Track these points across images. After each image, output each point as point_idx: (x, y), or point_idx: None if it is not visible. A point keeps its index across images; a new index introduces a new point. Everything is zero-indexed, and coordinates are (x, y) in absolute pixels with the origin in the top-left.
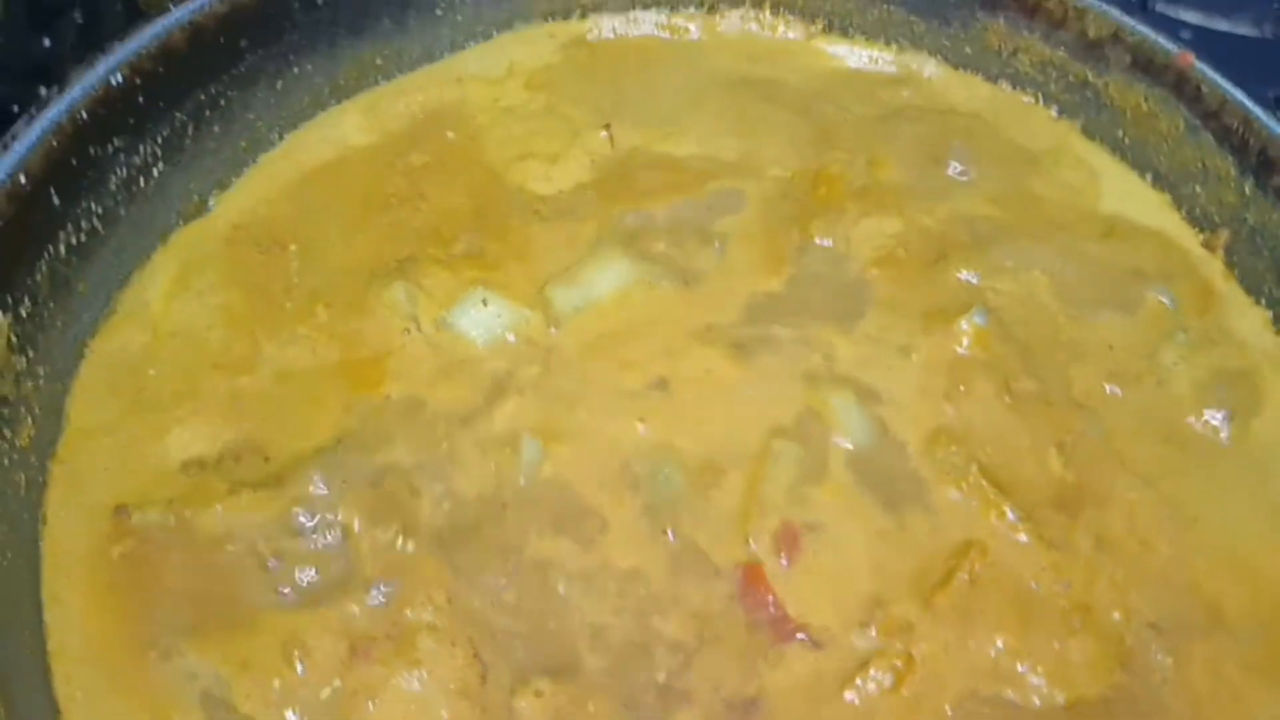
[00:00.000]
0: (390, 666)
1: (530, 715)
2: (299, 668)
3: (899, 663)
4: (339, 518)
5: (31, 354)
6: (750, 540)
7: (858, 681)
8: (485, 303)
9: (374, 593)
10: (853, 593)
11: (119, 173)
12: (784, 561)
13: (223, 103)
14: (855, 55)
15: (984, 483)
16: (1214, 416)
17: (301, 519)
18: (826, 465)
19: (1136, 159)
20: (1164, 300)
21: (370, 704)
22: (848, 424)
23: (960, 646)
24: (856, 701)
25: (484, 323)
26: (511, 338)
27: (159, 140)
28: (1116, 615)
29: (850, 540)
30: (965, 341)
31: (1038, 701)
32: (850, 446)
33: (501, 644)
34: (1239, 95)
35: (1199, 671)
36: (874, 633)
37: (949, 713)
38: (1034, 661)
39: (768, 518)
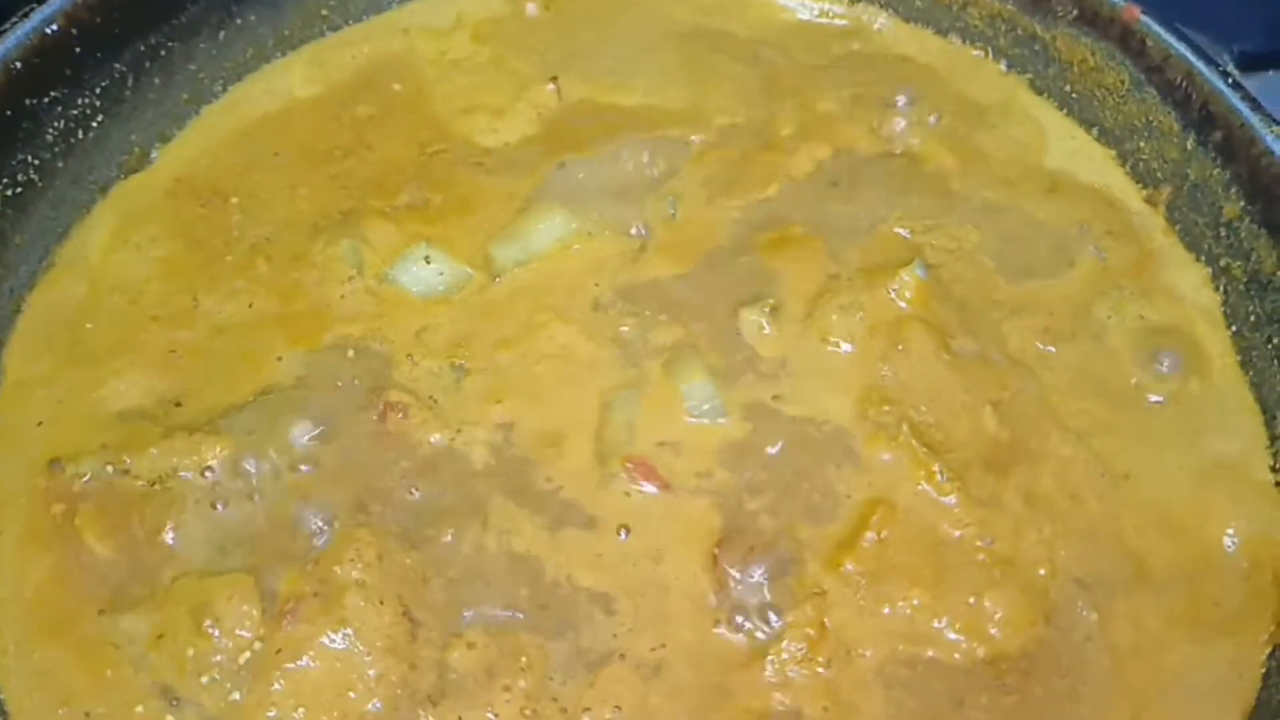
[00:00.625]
0: (316, 625)
1: (462, 667)
2: (214, 634)
3: (811, 631)
4: (269, 469)
5: None
6: None
7: (770, 656)
8: (428, 260)
9: (302, 549)
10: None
11: (56, 124)
12: None
13: (163, 53)
14: (806, 8)
15: (913, 442)
16: (1149, 373)
17: (242, 465)
18: None
19: (1083, 114)
20: (1101, 258)
21: (295, 662)
22: None
23: (874, 609)
24: (770, 673)
25: (425, 279)
26: (450, 292)
27: (97, 91)
28: (1042, 570)
29: None
30: (907, 295)
31: (958, 657)
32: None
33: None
34: (1183, 49)
35: (1122, 625)
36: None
37: (870, 677)
38: (951, 617)
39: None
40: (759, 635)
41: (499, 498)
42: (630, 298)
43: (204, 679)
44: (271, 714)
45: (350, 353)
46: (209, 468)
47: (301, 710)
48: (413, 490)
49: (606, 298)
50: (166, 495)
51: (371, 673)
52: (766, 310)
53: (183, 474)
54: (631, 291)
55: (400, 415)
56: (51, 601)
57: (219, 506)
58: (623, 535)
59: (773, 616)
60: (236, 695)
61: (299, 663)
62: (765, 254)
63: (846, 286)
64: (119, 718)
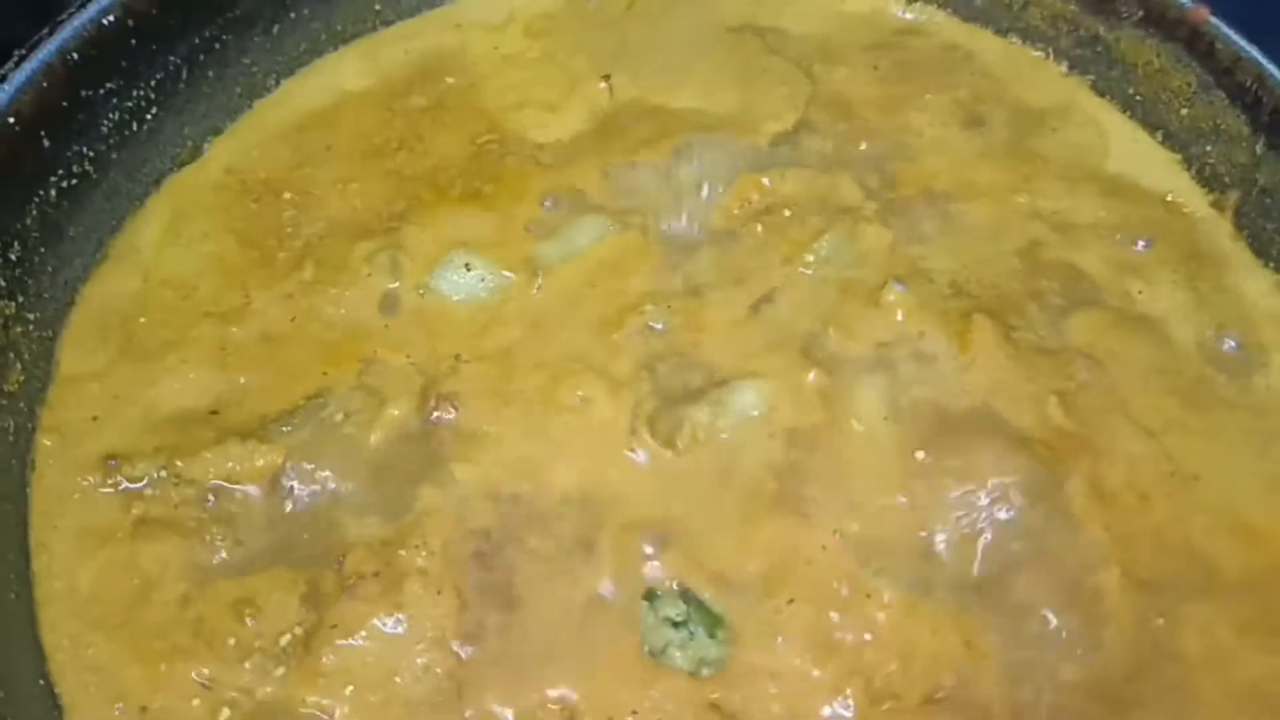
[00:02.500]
0: (374, 605)
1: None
2: (251, 623)
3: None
4: (320, 475)
5: (21, 299)
6: None
7: None
8: (468, 267)
9: (368, 528)
10: None
11: (111, 116)
12: None
13: (217, 46)
14: (864, 2)
15: None
16: (1220, 374)
17: (293, 471)
18: None
19: (1147, 117)
20: (1162, 260)
21: (348, 639)
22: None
23: None
24: None
25: (466, 286)
26: (492, 298)
27: (152, 84)
28: (1107, 574)
29: None
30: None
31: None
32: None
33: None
34: (1253, 52)
35: (1191, 633)
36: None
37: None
38: None
39: None
40: None
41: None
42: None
43: (246, 664)
44: (321, 684)
45: (400, 359)
46: (261, 473)
47: (350, 687)
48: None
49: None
50: (218, 497)
51: (420, 661)
52: None
53: (235, 480)
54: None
55: (451, 411)
56: (106, 597)
57: (269, 509)
58: None
59: None
60: (281, 670)
61: (351, 640)
62: None
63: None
64: (175, 711)
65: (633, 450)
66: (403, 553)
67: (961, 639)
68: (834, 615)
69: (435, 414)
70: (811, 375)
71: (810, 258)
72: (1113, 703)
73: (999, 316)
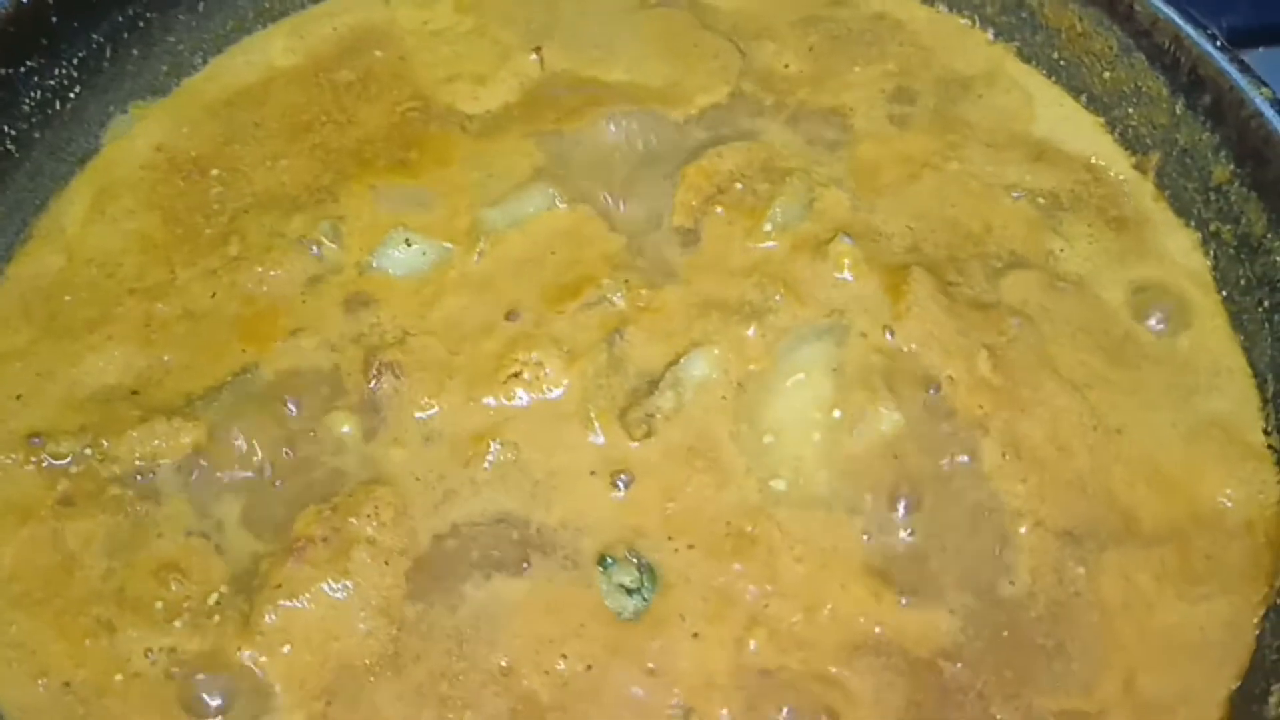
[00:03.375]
0: (320, 569)
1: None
2: (175, 587)
3: None
4: (245, 451)
5: None
6: None
7: None
8: (408, 242)
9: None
10: None
11: (33, 94)
12: None
13: (141, 24)
14: None
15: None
16: (1143, 332)
17: (218, 447)
18: None
19: (1071, 81)
20: (1085, 214)
21: (292, 600)
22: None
23: None
24: None
25: (407, 262)
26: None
27: (75, 62)
28: (1024, 527)
29: None
30: (846, 264)
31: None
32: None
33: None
34: (1170, 13)
35: (1112, 581)
36: None
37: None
38: None
39: None
40: None
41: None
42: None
43: (176, 623)
44: (258, 640)
45: (330, 335)
46: (186, 451)
47: (287, 647)
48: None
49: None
50: (144, 475)
51: (362, 627)
52: None
53: (160, 457)
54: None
55: (395, 376)
56: (27, 574)
57: (194, 487)
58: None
59: None
60: (216, 619)
61: (294, 602)
62: None
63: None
64: (99, 685)
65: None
66: (353, 520)
67: (871, 591)
68: (737, 566)
69: (376, 383)
70: (751, 330)
71: (768, 226)
72: (1035, 651)
73: (938, 272)
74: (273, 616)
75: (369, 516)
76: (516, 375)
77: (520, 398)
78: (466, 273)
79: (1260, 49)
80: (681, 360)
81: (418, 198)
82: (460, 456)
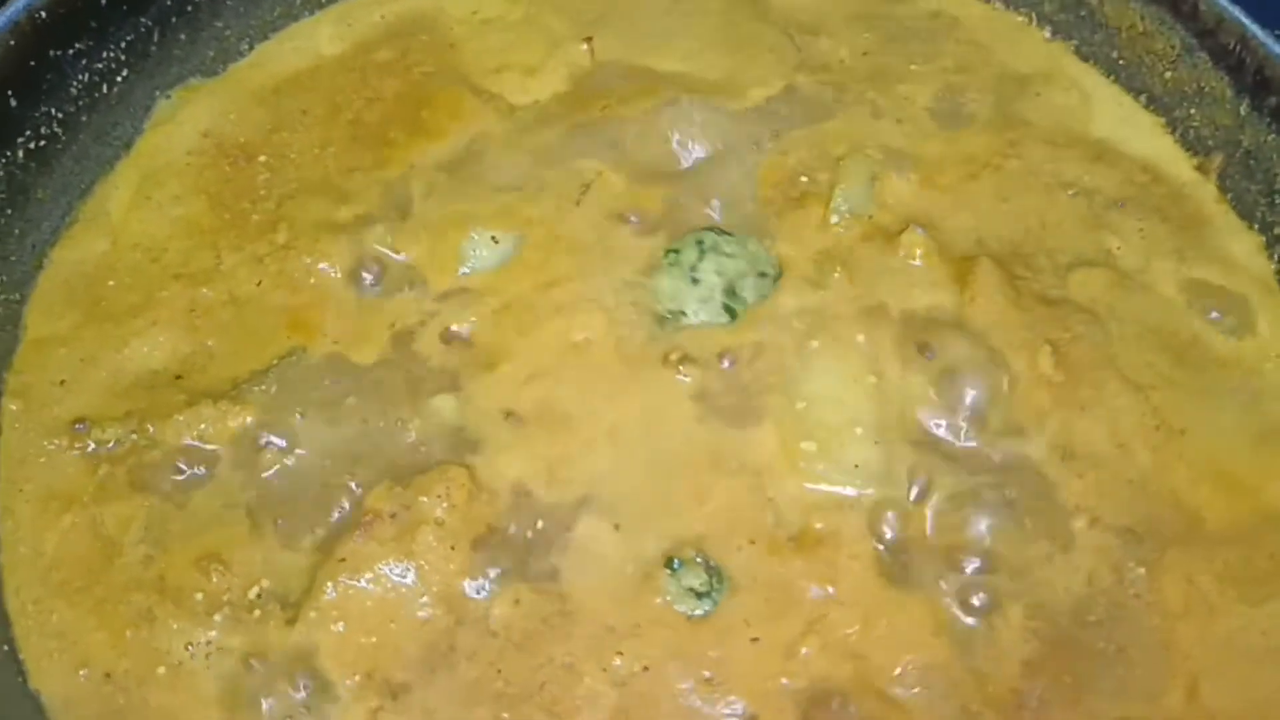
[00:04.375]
0: (385, 547)
1: (504, 623)
2: (216, 578)
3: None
4: (293, 436)
5: None
6: None
7: None
8: (495, 240)
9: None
10: None
11: (81, 78)
12: None
13: (190, 8)
14: None
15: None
16: (1210, 335)
17: (265, 432)
18: None
19: (1130, 81)
20: (1144, 215)
21: (352, 578)
22: None
23: None
24: None
25: (489, 259)
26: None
27: (123, 45)
28: (1079, 522)
29: None
30: (918, 253)
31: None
32: None
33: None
34: (1236, 13)
35: (1172, 582)
36: None
37: None
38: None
39: None
40: None
41: None
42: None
43: (217, 616)
44: (312, 616)
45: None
46: (234, 435)
47: (341, 624)
48: None
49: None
50: (189, 460)
51: (421, 614)
52: None
53: (207, 441)
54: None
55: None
56: (70, 562)
57: (241, 471)
58: None
59: None
60: (256, 613)
61: (355, 580)
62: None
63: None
64: (141, 676)
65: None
66: (424, 499)
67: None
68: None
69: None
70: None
71: (835, 218)
72: (1095, 656)
73: (1006, 265)
74: (332, 593)
75: (439, 497)
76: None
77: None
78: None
79: None
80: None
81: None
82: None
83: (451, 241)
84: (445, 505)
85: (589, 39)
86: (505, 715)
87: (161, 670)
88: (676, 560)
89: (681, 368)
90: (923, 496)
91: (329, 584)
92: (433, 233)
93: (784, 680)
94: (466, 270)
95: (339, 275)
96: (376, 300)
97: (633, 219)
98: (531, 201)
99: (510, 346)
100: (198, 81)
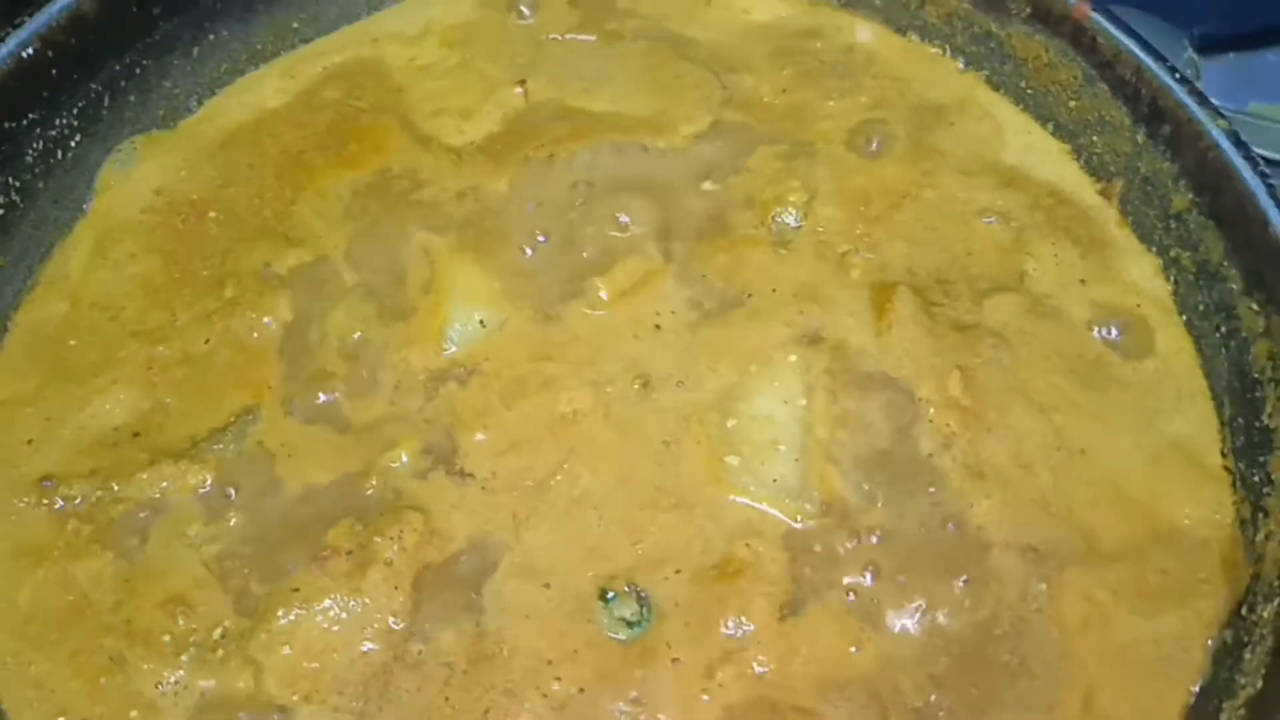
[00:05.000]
0: (337, 582)
1: (448, 656)
2: (182, 622)
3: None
4: (252, 491)
5: None
6: None
7: None
8: (483, 323)
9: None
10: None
11: (35, 145)
12: None
13: (138, 71)
14: (764, 7)
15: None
16: (1111, 356)
17: (227, 488)
18: None
19: (1039, 109)
20: (1053, 240)
21: (305, 607)
22: None
23: None
24: None
25: (474, 335)
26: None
27: (75, 111)
28: (987, 543)
29: None
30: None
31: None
32: None
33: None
34: (1132, 45)
35: (1071, 598)
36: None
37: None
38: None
39: None
40: None
41: None
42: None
43: (183, 657)
44: (262, 638)
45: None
46: (193, 493)
47: (288, 649)
48: None
49: None
50: (153, 513)
51: (363, 647)
52: None
53: (170, 497)
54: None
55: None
56: (44, 615)
57: (202, 523)
58: None
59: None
60: (220, 653)
61: (305, 609)
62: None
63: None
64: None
65: None
66: (378, 539)
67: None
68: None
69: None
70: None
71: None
72: (999, 669)
73: (925, 293)
74: (285, 619)
75: (392, 539)
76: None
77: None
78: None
79: (1230, 55)
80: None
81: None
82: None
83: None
84: (396, 548)
85: (523, 81)
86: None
87: (134, 714)
88: (610, 592)
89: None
90: (835, 513)
91: (280, 610)
92: None
93: (705, 697)
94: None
95: (279, 330)
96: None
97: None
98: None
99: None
100: (149, 141)
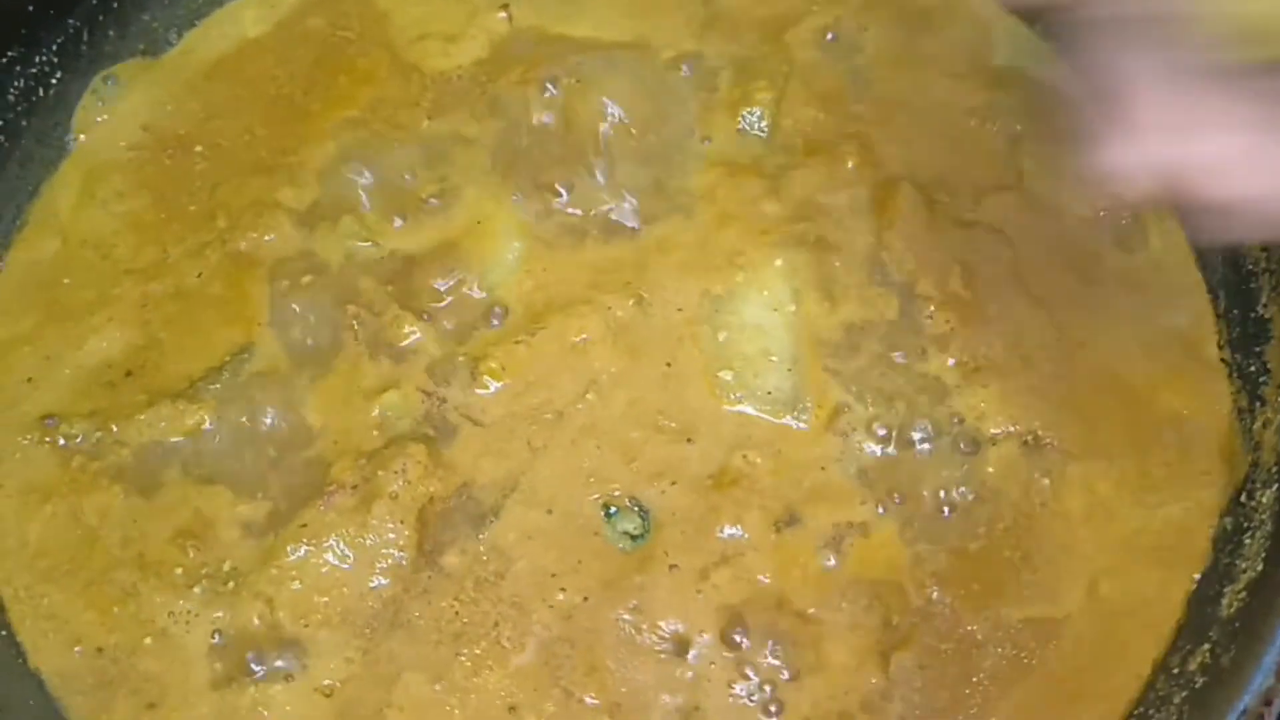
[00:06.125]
0: (343, 517)
1: (456, 575)
2: (192, 553)
3: None
4: (251, 428)
5: None
6: None
7: None
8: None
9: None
10: None
11: (16, 84)
12: None
13: (115, 5)
14: None
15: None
16: (1111, 248)
17: (225, 425)
18: None
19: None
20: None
21: (312, 542)
22: None
23: None
24: None
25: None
26: None
27: (54, 48)
28: (987, 435)
29: None
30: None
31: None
32: None
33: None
34: None
35: (1074, 491)
36: None
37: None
38: None
39: None
40: None
41: None
42: None
43: (195, 589)
44: (272, 573)
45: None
46: (193, 429)
47: (298, 584)
48: None
49: None
50: (155, 451)
51: (372, 583)
52: None
53: (168, 437)
54: None
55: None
56: (55, 549)
57: (204, 462)
58: None
59: None
60: (230, 584)
61: (315, 543)
62: None
63: None
64: (130, 648)
65: None
66: (381, 473)
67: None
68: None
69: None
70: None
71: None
72: (1002, 564)
73: (926, 191)
74: (293, 555)
75: (397, 473)
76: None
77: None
78: None
79: None
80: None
81: None
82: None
83: None
84: (402, 481)
85: (506, 5)
86: (464, 650)
87: (148, 640)
88: (613, 508)
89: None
90: (832, 420)
91: (289, 546)
92: None
93: (700, 597)
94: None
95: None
96: None
97: None
98: None
99: None
100: (131, 75)
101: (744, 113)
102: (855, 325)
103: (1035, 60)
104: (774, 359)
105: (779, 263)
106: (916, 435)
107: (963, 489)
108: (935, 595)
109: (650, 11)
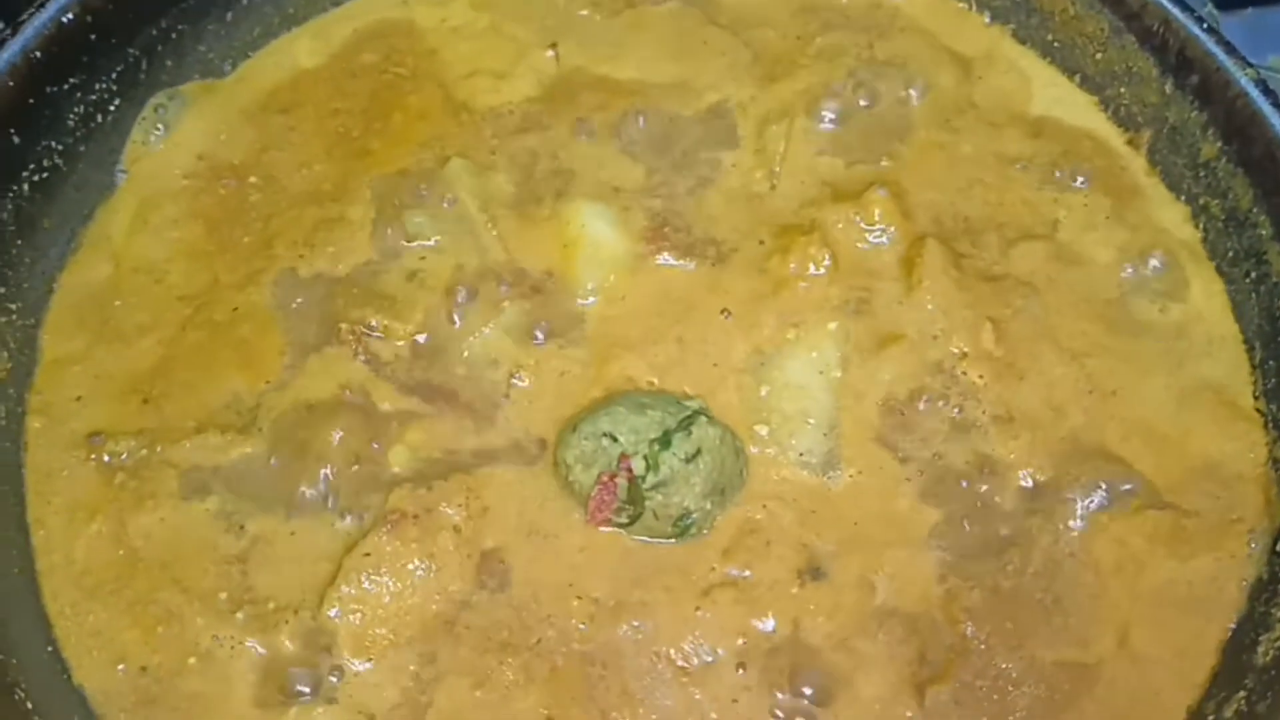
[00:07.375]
0: (408, 547)
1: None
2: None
3: None
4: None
5: (3, 290)
6: None
7: None
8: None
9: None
10: None
11: (76, 110)
12: None
13: (174, 36)
14: None
15: None
16: (1143, 299)
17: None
18: None
19: (1065, 62)
20: (1083, 188)
21: (374, 572)
22: None
23: None
24: None
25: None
26: None
27: (113, 76)
28: (1019, 483)
29: None
30: (876, 214)
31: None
32: None
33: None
34: None
35: (1105, 542)
36: None
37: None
38: None
39: None
40: None
41: None
42: None
43: (239, 615)
44: (334, 610)
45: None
46: (238, 459)
47: (359, 615)
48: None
49: None
50: (199, 475)
51: (433, 608)
52: None
53: (214, 464)
54: None
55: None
56: (100, 567)
57: (250, 489)
58: None
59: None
60: (271, 604)
61: (376, 573)
62: None
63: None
64: (174, 668)
65: None
66: (444, 506)
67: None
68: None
69: None
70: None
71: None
72: (1034, 606)
73: (952, 243)
74: (352, 587)
75: (460, 506)
76: None
77: None
78: None
79: (1249, 10)
80: None
81: None
82: None
83: None
84: (464, 514)
85: (554, 44)
86: (509, 660)
87: (192, 661)
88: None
89: None
90: (863, 478)
91: (352, 575)
92: None
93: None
94: None
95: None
96: None
97: None
98: None
99: None
100: (186, 105)
101: (776, 157)
102: (891, 386)
103: (1073, 111)
104: (811, 422)
105: (833, 326)
106: (948, 484)
107: (995, 530)
108: (969, 631)
109: (693, 54)
